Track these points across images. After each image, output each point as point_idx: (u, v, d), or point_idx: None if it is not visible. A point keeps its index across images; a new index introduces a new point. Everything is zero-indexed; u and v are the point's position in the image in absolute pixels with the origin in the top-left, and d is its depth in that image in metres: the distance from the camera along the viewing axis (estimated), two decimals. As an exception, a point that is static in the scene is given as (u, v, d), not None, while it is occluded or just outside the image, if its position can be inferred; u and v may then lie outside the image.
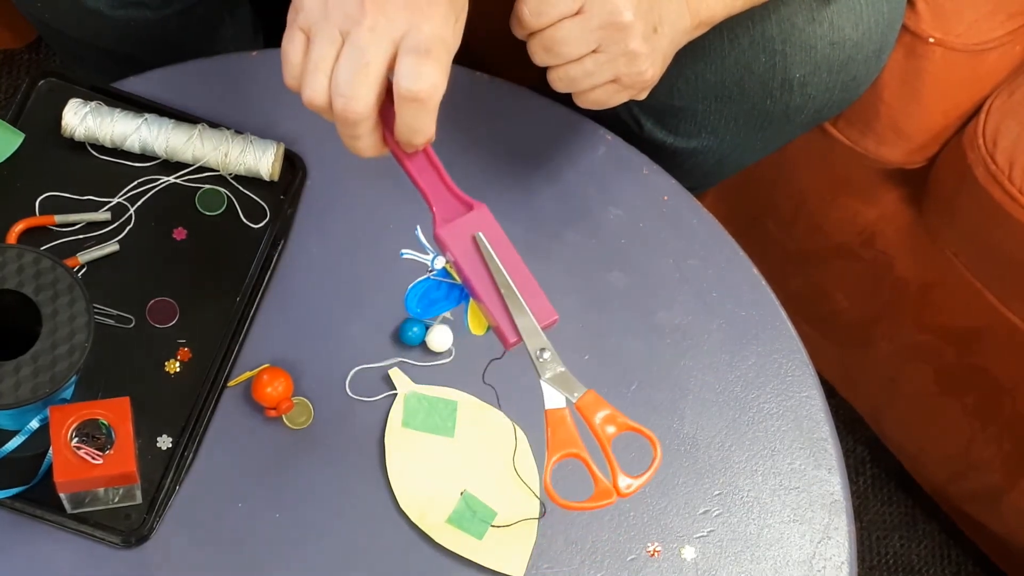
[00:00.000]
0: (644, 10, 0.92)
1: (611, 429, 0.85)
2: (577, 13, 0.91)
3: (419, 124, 0.83)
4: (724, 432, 1.06)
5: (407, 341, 1.04)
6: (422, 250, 0.87)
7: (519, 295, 0.84)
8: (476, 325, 0.88)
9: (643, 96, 0.97)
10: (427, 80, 0.81)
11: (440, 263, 0.87)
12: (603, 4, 0.90)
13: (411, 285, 0.88)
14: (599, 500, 0.84)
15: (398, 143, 0.85)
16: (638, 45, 0.92)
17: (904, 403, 1.58)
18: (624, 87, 0.95)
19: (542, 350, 0.85)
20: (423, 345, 1.05)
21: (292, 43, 0.85)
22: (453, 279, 0.87)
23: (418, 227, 0.87)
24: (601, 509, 0.88)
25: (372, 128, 0.84)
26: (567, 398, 0.85)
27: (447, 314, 0.90)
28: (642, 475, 0.85)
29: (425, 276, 0.88)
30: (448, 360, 1.06)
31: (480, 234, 0.84)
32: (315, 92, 0.83)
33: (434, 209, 0.86)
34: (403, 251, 0.88)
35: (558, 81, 0.95)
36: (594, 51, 0.92)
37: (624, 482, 0.84)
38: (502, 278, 0.84)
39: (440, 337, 1.04)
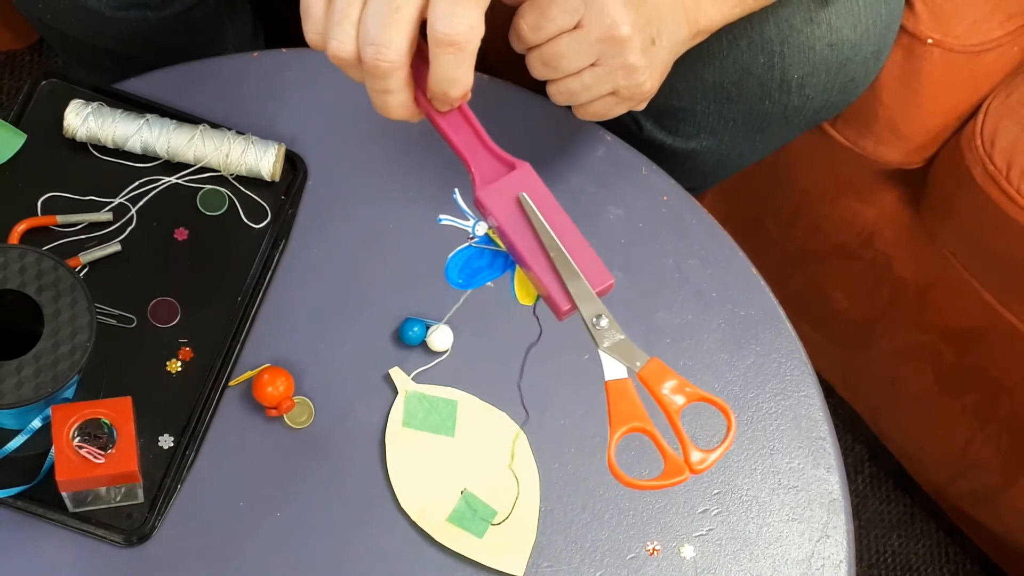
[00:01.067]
0: (642, 23, 0.92)
1: (680, 400, 0.79)
2: (575, 28, 0.90)
3: (456, 73, 0.77)
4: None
5: (408, 341, 1.05)
6: (462, 216, 0.82)
7: (570, 259, 0.78)
8: (524, 295, 0.82)
9: (642, 107, 0.97)
10: (464, 22, 0.75)
11: (482, 229, 0.82)
12: (601, 18, 0.90)
13: (451, 254, 0.83)
14: (671, 477, 0.78)
15: (431, 101, 0.80)
16: (636, 58, 0.92)
17: (903, 403, 1.58)
18: (623, 99, 0.95)
19: (598, 317, 0.79)
20: (423, 345, 1.06)
21: None
22: (497, 246, 0.82)
23: (456, 190, 0.82)
24: (669, 487, 0.80)
25: (405, 81, 0.78)
26: (628, 368, 0.79)
27: (489, 285, 0.85)
28: (716, 449, 0.78)
29: (466, 244, 0.83)
30: (448, 360, 1.06)
31: (524, 195, 0.79)
32: (342, 43, 0.77)
33: (473, 171, 0.80)
34: (441, 216, 0.83)
35: (557, 94, 0.94)
36: (592, 65, 0.92)
37: (696, 456, 0.78)
38: (551, 241, 0.78)
39: (441, 338, 1.04)
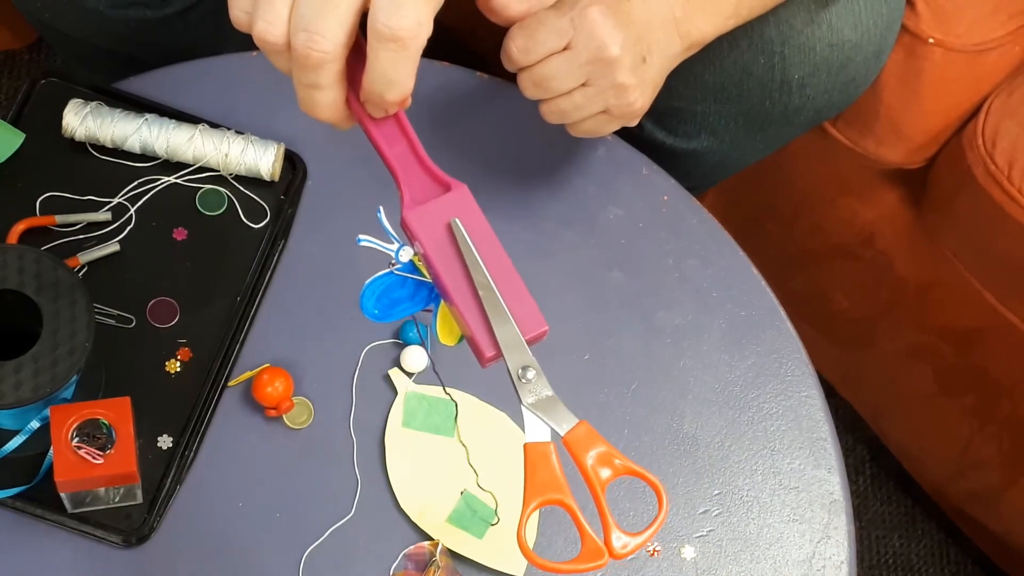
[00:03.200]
0: (631, 42, 0.92)
1: (606, 473, 0.70)
2: (564, 49, 0.91)
3: (396, 73, 0.68)
4: (724, 432, 1.06)
5: (407, 341, 1.05)
6: (385, 238, 0.73)
7: (501, 299, 0.68)
8: (446, 333, 0.73)
9: (634, 123, 0.98)
10: (411, 16, 0.66)
11: (406, 255, 0.72)
12: (589, 40, 0.91)
13: (368, 281, 0.73)
14: (587, 562, 0.69)
15: (364, 105, 0.70)
16: (626, 77, 0.92)
17: (904, 403, 1.58)
18: (615, 117, 0.96)
19: (525, 368, 0.70)
20: (424, 345, 1.06)
21: None
22: (422, 275, 0.72)
23: (381, 208, 0.73)
24: (584, 572, 0.70)
25: (337, 77, 0.69)
26: (553, 430, 0.70)
27: (413, 318, 0.76)
28: (642, 532, 0.70)
29: (387, 270, 0.73)
30: (448, 360, 1.05)
31: (457, 220, 0.69)
32: (271, 25, 0.67)
33: (403, 188, 0.70)
34: (360, 237, 0.73)
35: (549, 114, 0.95)
36: (583, 85, 0.93)
37: (619, 541, 0.69)
38: (481, 277, 0.68)
39: (414, 357, 1.03)
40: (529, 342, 0.69)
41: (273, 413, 1.01)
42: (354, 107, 0.71)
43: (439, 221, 0.69)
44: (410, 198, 0.70)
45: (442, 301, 0.71)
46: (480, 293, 0.68)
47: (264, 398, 1.00)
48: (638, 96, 0.95)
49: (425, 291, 0.73)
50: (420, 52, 0.68)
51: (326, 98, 0.70)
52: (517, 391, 0.70)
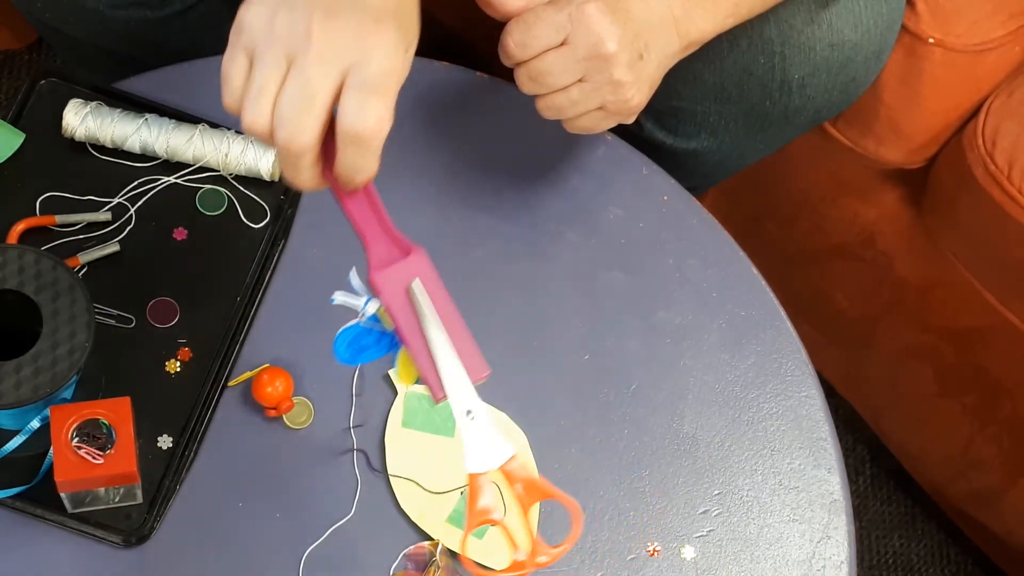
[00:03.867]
0: (629, 39, 0.93)
1: (532, 498, 0.84)
2: (562, 44, 0.92)
3: (362, 163, 0.79)
4: (724, 432, 1.06)
5: None
6: (354, 294, 0.84)
7: (452, 349, 0.81)
8: (405, 375, 0.85)
9: (631, 120, 0.98)
10: (372, 116, 0.77)
11: (372, 308, 0.83)
12: (587, 35, 0.91)
13: (340, 330, 0.85)
14: (512, 571, 0.85)
15: (336, 180, 0.81)
16: (623, 74, 0.93)
17: (904, 403, 1.58)
18: (611, 114, 0.96)
19: (469, 412, 0.83)
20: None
21: (234, 64, 0.80)
22: (383, 325, 0.84)
23: (353, 269, 0.84)
24: None
25: (314, 161, 0.80)
26: (491, 462, 0.83)
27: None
28: (559, 546, 0.84)
29: (355, 321, 0.85)
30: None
31: (416, 282, 0.81)
32: (256, 119, 0.79)
33: (370, 252, 0.83)
34: (333, 296, 0.85)
35: (546, 109, 0.95)
36: (580, 80, 0.93)
37: (542, 558, 0.85)
38: (435, 331, 0.81)
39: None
40: (475, 383, 0.81)
41: (273, 413, 1.01)
42: (329, 178, 0.82)
43: (401, 282, 0.82)
44: (376, 261, 0.82)
45: (402, 348, 0.83)
46: (432, 344, 0.81)
47: (264, 398, 1.00)
48: (635, 93, 0.95)
49: (388, 339, 0.84)
50: (381, 144, 0.79)
51: (305, 176, 0.80)
52: (461, 429, 0.83)
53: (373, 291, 0.83)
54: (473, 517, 0.82)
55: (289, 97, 0.77)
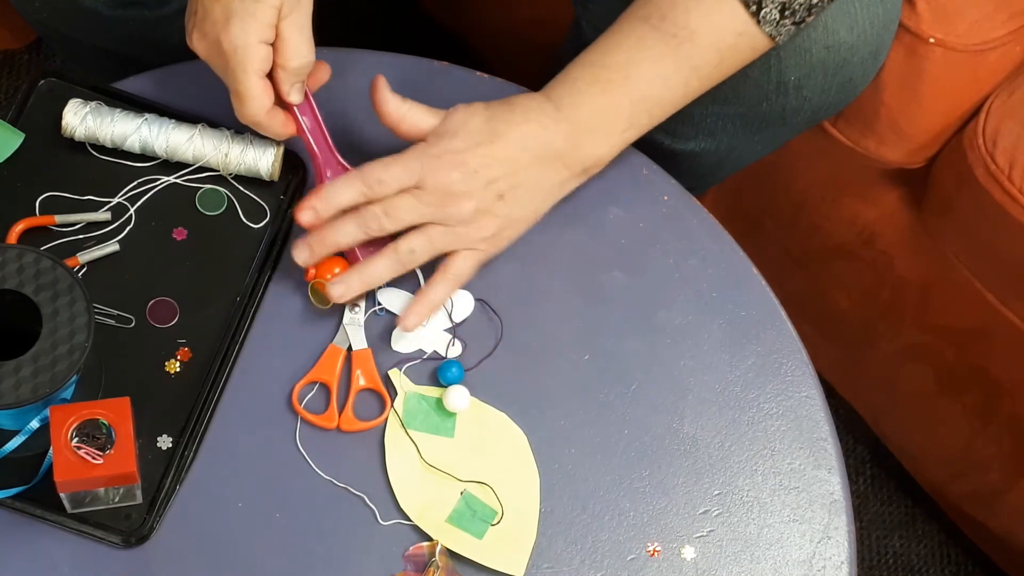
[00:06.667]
0: (480, 185, 1.01)
1: (362, 382, 1.03)
2: (415, 187, 1.00)
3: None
4: (724, 432, 1.06)
5: (448, 381, 1.04)
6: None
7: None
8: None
9: (497, 251, 1.05)
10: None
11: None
12: (434, 182, 1.00)
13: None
14: (322, 422, 1.02)
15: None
16: (471, 216, 1.01)
17: (904, 403, 1.58)
18: (478, 251, 1.04)
19: (355, 307, 1.04)
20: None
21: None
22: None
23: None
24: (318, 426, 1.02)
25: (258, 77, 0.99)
26: (350, 345, 1.03)
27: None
28: (368, 422, 1.02)
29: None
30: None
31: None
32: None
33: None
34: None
35: (407, 253, 1.02)
36: (432, 224, 1.01)
37: (347, 422, 1.02)
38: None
39: (457, 397, 1.03)
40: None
41: (311, 277, 1.04)
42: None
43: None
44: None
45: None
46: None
47: (321, 270, 1.04)
48: (497, 229, 1.03)
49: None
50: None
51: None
52: (344, 311, 1.05)
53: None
54: (313, 373, 1.03)
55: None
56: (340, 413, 1.02)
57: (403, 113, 1.03)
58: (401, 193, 1.00)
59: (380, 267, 1.02)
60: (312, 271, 1.04)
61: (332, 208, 1.01)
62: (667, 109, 1.05)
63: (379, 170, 1.00)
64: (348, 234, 1.01)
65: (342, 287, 1.02)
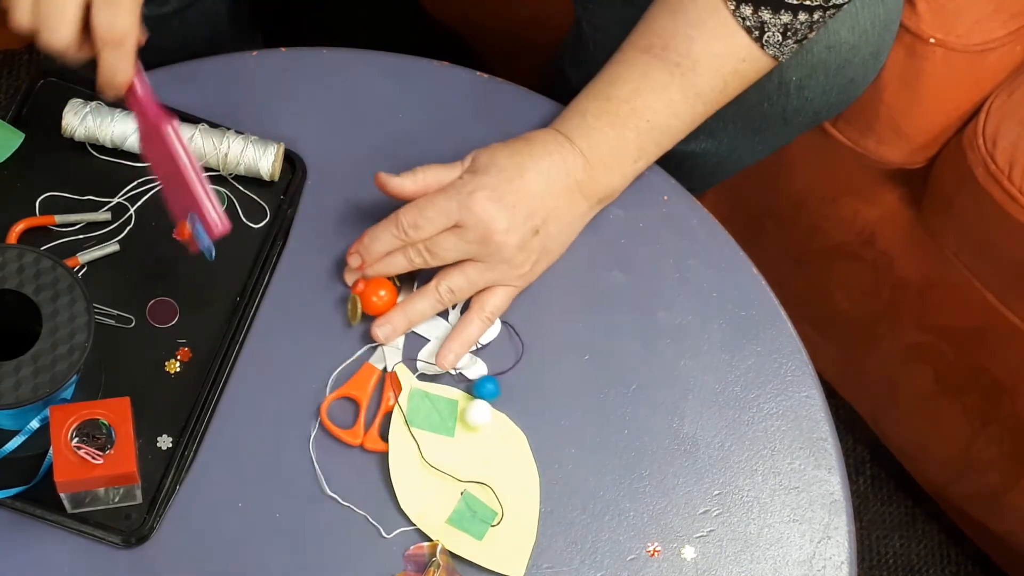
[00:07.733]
0: (520, 220, 1.01)
1: (392, 403, 1.02)
2: (454, 227, 1.01)
3: (120, 65, 0.90)
4: (724, 432, 1.06)
5: (483, 396, 1.04)
6: None
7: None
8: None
9: (526, 284, 1.06)
10: (120, 26, 0.88)
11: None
12: (475, 222, 1.00)
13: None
14: (347, 437, 1.01)
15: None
16: (513, 254, 1.03)
17: (904, 403, 1.58)
18: (513, 288, 1.05)
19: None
20: (422, 347, 1.06)
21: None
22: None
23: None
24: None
25: (71, 55, 0.91)
26: (393, 365, 1.03)
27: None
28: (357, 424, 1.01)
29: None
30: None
31: (175, 126, 0.95)
32: (21, 21, 0.89)
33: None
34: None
35: (446, 293, 1.04)
36: (472, 260, 1.02)
37: (372, 441, 1.01)
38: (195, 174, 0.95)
39: (478, 413, 1.03)
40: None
41: (359, 291, 1.05)
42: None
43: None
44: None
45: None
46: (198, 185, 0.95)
47: (369, 285, 1.05)
48: (531, 265, 1.04)
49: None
50: (134, 47, 0.90)
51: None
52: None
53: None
54: (345, 388, 1.03)
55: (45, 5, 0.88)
56: (366, 431, 1.02)
57: (425, 181, 1.03)
58: (444, 232, 1.01)
59: (421, 307, 1.04)
60: (361, 284, 1.05)
61: (374, 257, 1.03)
62: (675, 137, 1.07)
63: (414, 214, 1.01)
64: (397, 266, 1.03)
65: (388, 328, 1.04)
